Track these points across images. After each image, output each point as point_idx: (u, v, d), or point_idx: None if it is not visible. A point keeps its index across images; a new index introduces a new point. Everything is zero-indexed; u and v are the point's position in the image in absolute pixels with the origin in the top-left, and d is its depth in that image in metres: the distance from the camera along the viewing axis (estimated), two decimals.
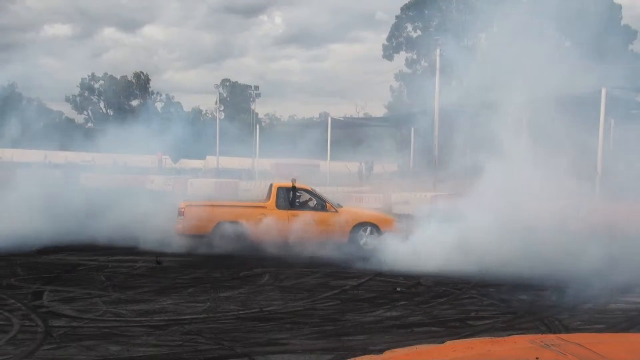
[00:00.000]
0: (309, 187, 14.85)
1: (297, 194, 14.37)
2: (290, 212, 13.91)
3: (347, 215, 14.40)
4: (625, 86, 25.50)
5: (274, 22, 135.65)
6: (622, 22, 51.06)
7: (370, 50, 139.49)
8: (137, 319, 7.48)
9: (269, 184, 15.32)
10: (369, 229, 14.23)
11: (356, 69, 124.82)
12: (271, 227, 13.49)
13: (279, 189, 14.24)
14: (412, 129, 39.88)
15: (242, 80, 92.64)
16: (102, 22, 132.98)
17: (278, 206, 13.97)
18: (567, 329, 7.30)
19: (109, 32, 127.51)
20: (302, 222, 13.68)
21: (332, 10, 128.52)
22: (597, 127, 23.38)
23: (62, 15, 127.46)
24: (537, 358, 2.85)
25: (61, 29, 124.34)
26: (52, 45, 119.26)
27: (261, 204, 14.26)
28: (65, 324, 7.19)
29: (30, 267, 10.83)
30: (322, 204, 14.34)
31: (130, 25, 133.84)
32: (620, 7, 51.37)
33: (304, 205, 14.29)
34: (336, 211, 14.29)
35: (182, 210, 13.71)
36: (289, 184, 14.40)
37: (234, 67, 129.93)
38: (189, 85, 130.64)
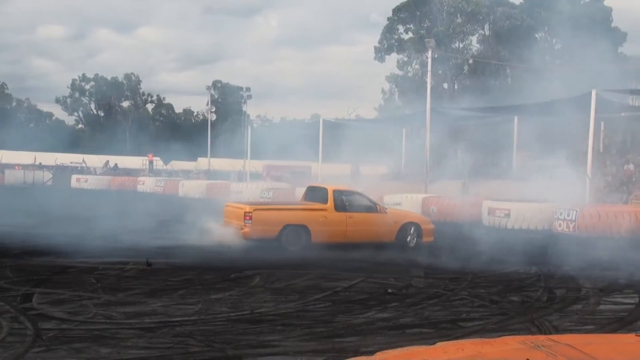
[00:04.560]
0: (359, 190, 15.75)
1: (349, 196, 15.08)
2: (347, 213, 14.50)
3: (394, 215, 15.31)
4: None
5: (269, 24, 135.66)
6: (612, 25, 51.40)
7: (364, 52, 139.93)
8: (128, 321, 7.45)
9: (308, 186, 16.52)
10: (412, 228, 15.14)
11: (350, 71, 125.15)
12: (332, 229, 14.17)
13: (335, 191, 14.77)
14: (404, 131, 39.91)
15: (237, 82, 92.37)
16: (95, 24, 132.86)
17: (336, 208, 14.47)
18: (558, 330, 7.33)
19: (103, 34, 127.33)
20: (358, 222, 14.49)
21: (327, 12, 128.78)
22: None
23: (56, 17, 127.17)
24: (527, 359, 2.85)
25: (54, 30, 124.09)
26: (45, 46, 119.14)
27: (321, 206, 14.60)
28: (55, 326, 7.14)
29: (19, 270, 10.75)
30: (373, 206, 15.03)
31: (124, 26, 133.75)
32: (610, 9, 51.72)
33: (357, 207, 14.83)
34: (385, 212, 15.10)
35: (250, 214, 13.78)
36: (342, 187, 15.37)
37: (228, 68, 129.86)
38: (182, 87, 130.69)
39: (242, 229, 13.74)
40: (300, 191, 29.70)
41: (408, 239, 14.98)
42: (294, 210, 14.64)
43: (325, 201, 14.55)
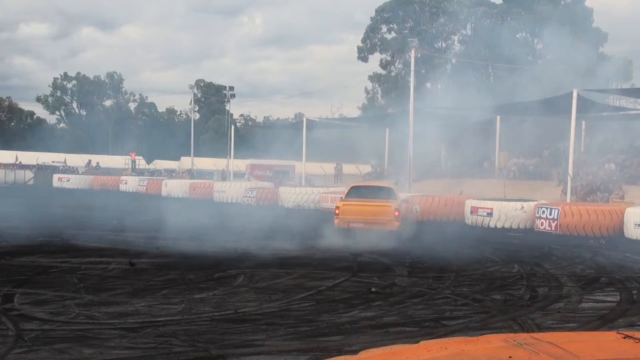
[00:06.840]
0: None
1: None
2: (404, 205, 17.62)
3: (412, 203, 19.61)
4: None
5: (254, 23, 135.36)
6: (593, 25, 51.80)
7: (349, 51, 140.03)
8: (111, 321, 7.40)
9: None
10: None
11: (334, 71, 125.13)
12: (404, 217, 16.96)
13: (395, 189, 18.10)
14: (387, 130, 39.97)
15: (221, 81, 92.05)
16: (79, 22, 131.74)
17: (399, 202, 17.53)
18: (540, 328, 7.38)
19: (86, 32, 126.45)
20: (407, 211, 17.51)
21: (312, 11, 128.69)
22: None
23: (38, 15, 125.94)
24: (510, 357, 2.86)
25: (37, 29, 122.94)
26: (27, 44, 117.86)
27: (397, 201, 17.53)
28: (37, 327, 7.08)
29: (0, 270, 10.65)
30: (408, 198, 19.25)
31: (107, 25, 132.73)
32: (591, 10, 52.13)
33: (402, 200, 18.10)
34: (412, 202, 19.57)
35: (399, 210, 16.01)
36: (394, 185, 19.28)
37: (212, 67, 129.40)
38: (165, 86, 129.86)
39: (392, 223, 15.77)
40: (284, 190, 29.91)
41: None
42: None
43: (394, 197, 16.95)
